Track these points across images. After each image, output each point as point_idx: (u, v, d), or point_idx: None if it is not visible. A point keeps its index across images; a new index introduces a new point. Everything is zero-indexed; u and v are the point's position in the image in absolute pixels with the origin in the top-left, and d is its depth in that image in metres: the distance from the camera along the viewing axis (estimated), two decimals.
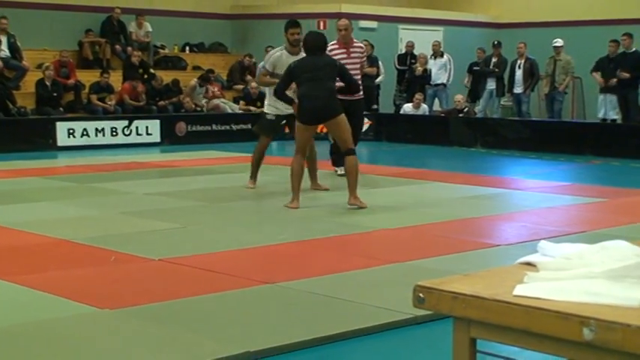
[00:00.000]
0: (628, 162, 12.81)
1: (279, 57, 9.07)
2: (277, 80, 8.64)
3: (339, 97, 9.83)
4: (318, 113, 7.92)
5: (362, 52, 10.43)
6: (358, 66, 10.14)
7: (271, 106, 9.22)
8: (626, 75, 14.77)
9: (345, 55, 10.00)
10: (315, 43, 8.15)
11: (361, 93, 10.01)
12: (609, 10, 19.40)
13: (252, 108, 16.74)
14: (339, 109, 7.98)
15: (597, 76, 15.63)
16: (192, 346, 3.92)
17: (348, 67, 9.82)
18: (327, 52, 8.40)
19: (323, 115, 7.94)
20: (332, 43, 10.17)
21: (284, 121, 9.36)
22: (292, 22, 9.29)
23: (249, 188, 9.23)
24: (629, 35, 15.07)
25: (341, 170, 9.99)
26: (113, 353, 3.88)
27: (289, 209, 7.89)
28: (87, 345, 4.01)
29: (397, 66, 17.92)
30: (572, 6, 20.10)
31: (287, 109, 8.91)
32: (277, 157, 13.24)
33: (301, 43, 8.52)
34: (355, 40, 10.57)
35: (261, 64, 9.49)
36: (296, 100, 8.12)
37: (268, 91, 9.32)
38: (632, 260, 1.84)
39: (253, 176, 9.39)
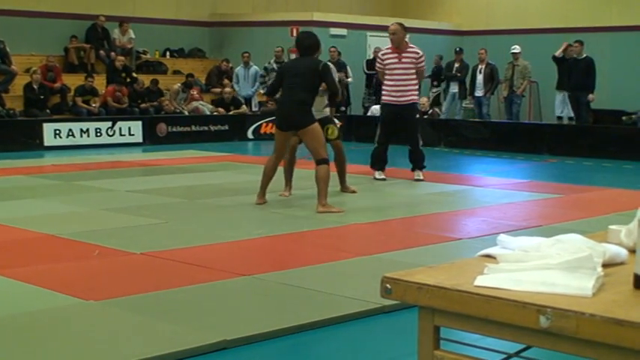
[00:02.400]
0: (581, 160, 12.92)
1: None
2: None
3: (388, 101, 9.87)
4: (289, 121, 7.61)
5: (417, 58, 9.79)
6: (410, 71, 9.75)
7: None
8: (593, 98, 15.06)
9: (395, 60, 9.77)
10: (304, 43, 7.74)
11: (413, 98, 9.79)
12: (563, 19, 19.57)
13: (220, 109, 16.76)
14: (308, 120, 7.55)
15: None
16: (173, 334, 3.91)
17: (397, 71, 9.77)
18: (315, 54, 7.74)
19: (294, 124, 7.60)
20: (386, 47, 10.01)
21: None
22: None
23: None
24: (581, 42, 15.21)
25: (379, 174, 9.99)
26: (98, 342, 3.85)
27: (259, 205, 7.85)
28: (73, 334, 3.98)
29: (366, 70, 17.96)
30: (529, 15, 20.26)
31: (324, 112, 8.50)
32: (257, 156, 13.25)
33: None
34: (411, 46, 10.01)
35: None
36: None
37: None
38: (585, 252, 1.85)
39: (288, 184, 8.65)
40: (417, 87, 9.87)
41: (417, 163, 10.01)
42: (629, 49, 18.23)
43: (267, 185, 7.97)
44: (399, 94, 9.74)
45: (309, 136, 7.61)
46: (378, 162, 10.07)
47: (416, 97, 9.90)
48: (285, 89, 7.69)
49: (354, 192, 8.80)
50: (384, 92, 9.99)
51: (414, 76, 9.80)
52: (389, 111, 9.96)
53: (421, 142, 10.06)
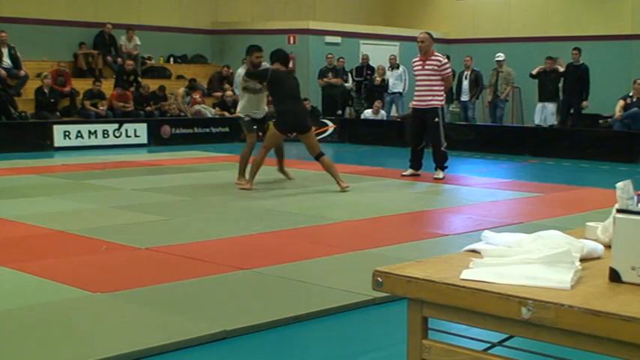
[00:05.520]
0: (560, 161, 12.94)
1: (242, 74, 9.28)
2: (254, 86, 8.90)
3: (413, 105, 10.20)
4: (297, 126, 8.65)
5: (439, 65, 9.86)
6: (434, 77, 9.82)
7: (242, 109, 9.24)
8: (587, 104, 15.13)
9: (420, 67, 9.96)
10: (287, 60, 8.78)
11: (434, 102, 9.85)
12: (543, 29, 19.62)
13: (226, 113, 16.76)
14: (310, 125, 8.85)
15: (533, 73, 15.73)
16: (175, 325, 3.90)
17: (421, 77, 9.92)
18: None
19: (300, 128, 8.66)
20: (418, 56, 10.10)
21: (255, 127, 9.34)
22: (257, 47, 9.31)
23: (242, 187, 8.92)
24: (579, 50, 15.24)
25: (405, 171, 10.20)
26: (105, 332, 3.85)
27: (246, 190, 8.47)
28: (82, 325, 3.98)
29: (354, 77, 17.95)
30: (512, 25, 20.31)
31: (259, 114, 9.12)
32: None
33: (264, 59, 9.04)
34: (436, 54, 10.08)
35: (236, 78, 9.50)
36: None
37: (241, 98, 9.35)
38: (564, 248, 1.85)
39: (243, 173, 9.22)
40: (440, 92, 9.94)
41: (438, 163, 10.12)
42: (605, 57, 18.28)
43: (255, 175, 8.75)
44: (421, 98, 9.93)
45: (310, 137, 8.75)
46: (410, 161, 10.28)
47: (438, 102, 9.95)
48: (288, 99, 8.59)
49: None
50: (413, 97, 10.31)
51: (438, 82, 9.93)
52: (414, 114, 10.29)
53: (445, 144, 10.07)
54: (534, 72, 15.66)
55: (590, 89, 15.12)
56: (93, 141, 14.54)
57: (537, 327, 1.66)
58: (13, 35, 15.44)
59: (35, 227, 6.51)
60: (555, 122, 15.60)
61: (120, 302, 4.33)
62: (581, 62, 15.18)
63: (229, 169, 11.22)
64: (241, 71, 9.50)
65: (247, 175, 9.00)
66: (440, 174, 10.03)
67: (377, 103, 16.74)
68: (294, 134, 8.94)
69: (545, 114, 15.64)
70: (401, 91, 17.47)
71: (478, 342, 1.91)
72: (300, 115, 8.75)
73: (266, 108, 9.47)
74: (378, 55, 18.55)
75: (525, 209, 7.87)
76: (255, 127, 9.33)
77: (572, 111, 15.43)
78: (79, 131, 14.48)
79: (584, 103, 15.19)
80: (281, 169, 9.59)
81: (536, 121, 15.79)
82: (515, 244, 1.97)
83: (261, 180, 9.41)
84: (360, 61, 18.17)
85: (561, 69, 15.53)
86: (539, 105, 15.80)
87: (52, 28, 16.87)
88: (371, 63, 18.08)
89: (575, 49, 15.30)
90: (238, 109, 9.49)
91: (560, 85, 15.52)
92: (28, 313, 4.16)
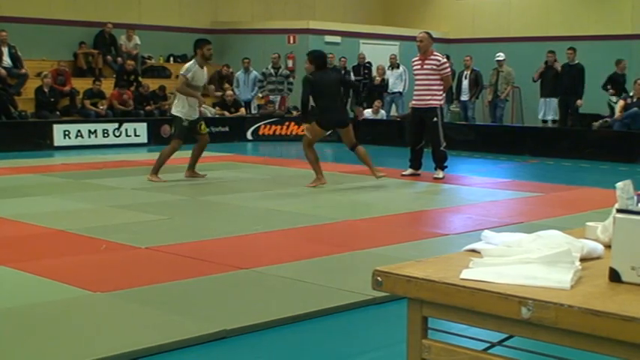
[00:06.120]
0: (560, 161, 12.94)
1: (196, 70, 9.24)
2: (195, 92, 9.18)
3: (412, 104, 10.26)
4: (337, 122, 9.07)
5: (438, 65, 9.84)
6: (432, 77, 9.82)
7: (183, 112, 9.25)
8: (581, 103, 15.11)
9: (419, 67, 9.96)
10: (325, 61, 9.05)
11: (432, 102, 9.86)
12: (543, 29, 19.62)
13: (226, 113, 16.77)
14: (348, 120, 9.31)
15: (535, 76, 15.86)
16: (175, 324, 3.90)
17: (420, 77, 9.96)
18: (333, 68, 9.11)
19: (340, 123, 9.09)
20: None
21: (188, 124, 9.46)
22: (207, 40, 9.43)
23: (154, 181, 9.31)
24: (574, 50, 15.27)
25: (405, 171, 10.27)
26: (105, 331, 3.84)
27: (320, 186, 8.75)
28: (81, 324, 3.98)
29: (352, 77, 17.94)
30: (512, 25, 20.30)
31: (194, 115, 9.34)
32: (250, 156, 13.24)
33: (308, 59, 9.10)
34: (435, 54, 10.05)
35: (181, 72, 9.29)
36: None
37: (180, 98, 9.36)
38: (564, 248, 1.85)
39: (157, 171, 9.48)
40: (439, 92, 9.92)
41: (438, 163, 10.12)
42: (605, 56, 18.26)
43: (320, 169, 9.02)
44: (420, 98, 9.94)
45: (349, 130, 9.19)
46: (410, 160, 10.30)
47: (436, 102, 9.94)
48: (327, 97, 8.87)
49: (203, 176, 9.57)
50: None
51: (437, 82, 9.90)
52: (413, 114, 10.28)
53: (444, 144, 10.08)
54: (536, 76, 15.78)
55: (584, 88, 15.14)
56: (93, 140, 14.54)
57: (537, 327, 1.66)
58: (13, 34, 15.45)
59: (35, 226, 6.51)
60: (557, 117, 15.66)
61: (120, 302, 4.33)
62: (577, 62, 15.19)
63: (229, 168, 11.24)
64: (192, 66, 9.24)
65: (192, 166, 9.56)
66: (440, 174, 10.04)
67: (377, 103, 16.74)
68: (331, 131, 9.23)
69: (547, 109, 15.70)
70: (401, 90, 17.46)
71: (478, 342, 1.91)
72: (339, 111, 9.16)
73: (201, 109, 9.69)
74: (377, 54, 18.54)
75: (525, 209, 7.87)
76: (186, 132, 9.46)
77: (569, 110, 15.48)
78: (78, 131, 14.48)
79: (579, 102, 15.21)
80: (192, 168, 9.76)
81: (540, 116, 15.90)
82: (515, 243, 1.97)
83: (262, 179, 9.42)
84: (358, 60, 18.16)
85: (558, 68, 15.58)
86: (542, 100, 15.88)
87: (52, 28, 16.88)
88: (368, 61, 18.06)
89: (570, 48, 15.32)
90: (176, 110, 9.39)
91: (538, 81, 15.65)
92: (28, 312, 4.16)
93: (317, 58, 9.04)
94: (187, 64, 9.37)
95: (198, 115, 9.57)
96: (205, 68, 9.47)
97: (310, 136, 8.98)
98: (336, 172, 10.39)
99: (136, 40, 17.54)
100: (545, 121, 16.20)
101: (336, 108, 9.09)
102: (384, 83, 17.44)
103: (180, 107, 9.34)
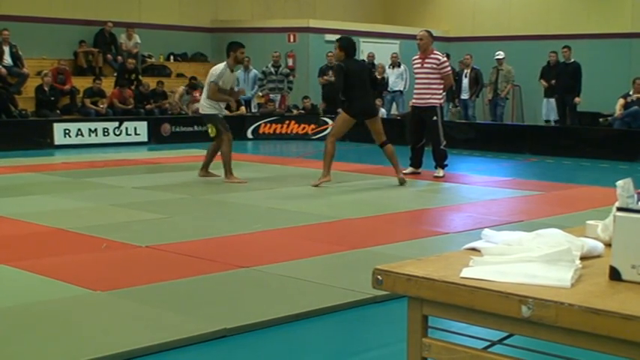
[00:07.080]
0: (560, 160, 12.94)
1: (224, 73, 9.14)
2: (227, 96, 9.16)
3: (412, 103, 10.29)
4: (368, 112, 8.93)
5: (437, 64, 9.85)
6: (432, 76, 9.83)
7: (212, 107, 9.26)
8: (579, 100, 15.13)
9: (419, 65, 9.97)
10: (355, 49, 8.93)
11: (432, 101, 9.85)
12: (544, 27, 19.60)
13: (226, 112, 16.77)
14: (377, 111, 9.33)
15: (543, 82, 15.91)
16: (175, 323, 3.90)
17: (420, 75, 9.97)
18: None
19: (369, 113, 8.96)
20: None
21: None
22: (241, 44, 9.32)
23: (240, 183, 9.21)
24: (569, 48, 15.28)
25: (405, 170, 10.13)
26: (105, 330, 3.84)
27: (323, 184, 8.67)
28: (82, 323, 3.98)
29: None
30: (512, 23, 20.29)
31: (223, 112, 9.32)
32: (251, 155, 13.25)
33: (338, 46, 8.96)
34: (435, 52, 10.06)
35: (212, 79, 9.15)
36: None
37: (209, 98, 9.29)
38: (564, 246, 1.85)
39: (230, 171, 9.39)
40: (439, 91, 9.92)
41: (438, 161, 10.13)
42: (606, 54, 18.28)
43: (330, 165, 8.92)
44: (419, 96, 9.94)
45: (378, 122, 9.09)
46: (410, 159, 10.30)
47: (435, 101, 9.93)
48: (357, 87, 8.73)
49: (218, 176, 9.45)
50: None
51: (437, 81, 9.90)
52: (413, 112, 10.27)
53: (444, 143, 10.08)
54: (544, 83, 15.86)
55: (582, 86, 15.14)
56: (93, 139, 14.55)
57: (537, 325, 1.66)
58: (13, 33, 15.45)
59: (35, 225, 6.51)
60: (557, 117, 15.70)
61: (120, 300, 4.33)
62: (572, 60, 15.19)
63: None
64: (223, 71, 9.19)
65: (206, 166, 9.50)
66: (440, 172, 10.05)
67: (377, 102, 16.73)
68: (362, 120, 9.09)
69: (549, 109, 15.75)
70: (402, 89, 17.46)
71: (478, 340, 1.91)
72: (369, 101, 9.08)
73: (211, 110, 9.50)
74: (378, 53, 18.53)
75: (525, 207, 7.87)
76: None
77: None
78: (79, 129, 14.49)
79: (577, 99, 15.21)
80: (205, 168, 9.71)
81: (544, 117, 15.96)
82: (516, 242, 1.97)
83: (262, 179, 9.42)
84: (367, 59, 18.13)
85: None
86: (545, 100, 15.93)
87: (53, 26, 16.87)
88: (360, 57, 18.06)
89: (565, 47, 15.33)
90: (208, 109, 9.35)
91: (553, 82, 15.61)
92: (28, 311, 4.16)
93: (348, 46, 8.96)
94: (217, 70, 9.22)
95: (225, 112, 9.41)
96: (234, 72, 9.43)
97: (338, 127, 8.94)
98: (336, 170, 10.38)
99: (136, 38, 17.54)
100: (548, 121, 16.22)
101: (367, 97, 8.97)
102: (384, 82, 17.43)
103: (211, 106, 9.34)
